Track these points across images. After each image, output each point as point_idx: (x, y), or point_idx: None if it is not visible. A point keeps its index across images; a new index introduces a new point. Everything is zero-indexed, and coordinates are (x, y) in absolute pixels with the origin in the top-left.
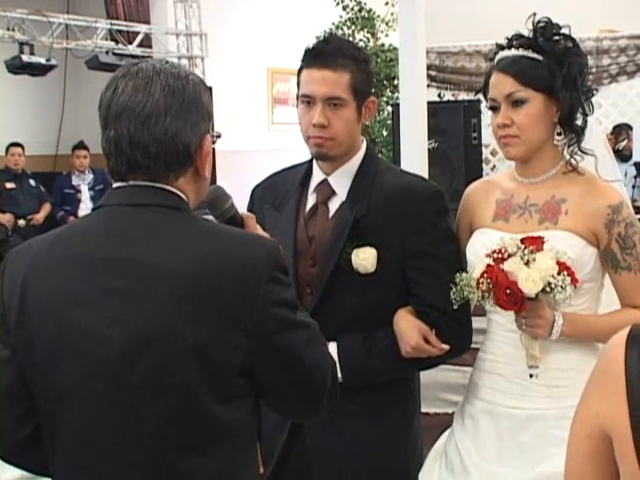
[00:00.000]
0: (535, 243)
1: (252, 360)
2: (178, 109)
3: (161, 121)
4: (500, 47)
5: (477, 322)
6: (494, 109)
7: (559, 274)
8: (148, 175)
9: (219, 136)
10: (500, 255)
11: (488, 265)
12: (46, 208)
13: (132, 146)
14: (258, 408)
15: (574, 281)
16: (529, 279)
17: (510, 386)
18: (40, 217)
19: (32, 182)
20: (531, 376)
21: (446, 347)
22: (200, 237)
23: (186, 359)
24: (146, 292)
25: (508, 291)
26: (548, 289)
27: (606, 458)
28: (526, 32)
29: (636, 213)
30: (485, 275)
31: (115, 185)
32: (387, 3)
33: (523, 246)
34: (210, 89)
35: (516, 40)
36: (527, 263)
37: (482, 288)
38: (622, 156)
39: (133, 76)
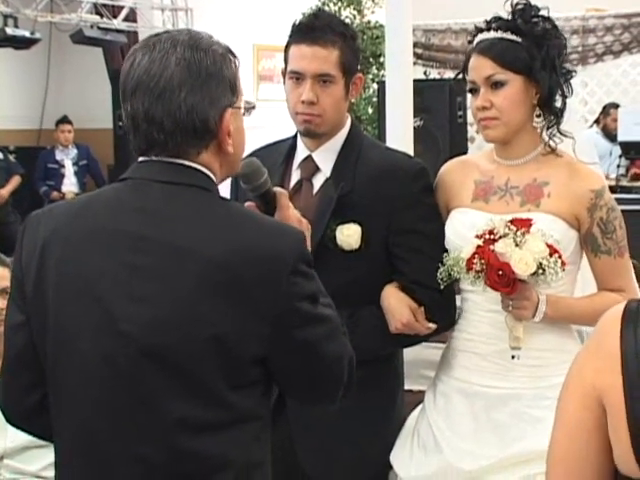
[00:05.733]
0: (524, 225)
1: (268, 350)
2: (194, 83)
3: (175, 96)
4: (479, 29)
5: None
6: (473, 91)
7: (551, 256)
8: (167, 152)
9: (253, 107)
10: (492, 236)
11: (478, 246)
12: (14, 181)
13: (147, 121)
14: (269, 393)
15: (562, 264)
16: (522, 261)
17: (486, 365)
18: (5, 192)
19: None
20: (513, 357)
21: (433, 326)
22: (230, 224)
23: (205, 344)
24: (174, 273)
25: (500, 272)
26: (540, 271)
27: (601, 429)
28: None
29: (620, 192)
30: (477, 256)
31: (141, 159)
32: None
33: (515, 228)
34: None
35: (495, 22)
36: (517, 245)
37: (476, 268)
38: (611, 136)
39: (150, 49)
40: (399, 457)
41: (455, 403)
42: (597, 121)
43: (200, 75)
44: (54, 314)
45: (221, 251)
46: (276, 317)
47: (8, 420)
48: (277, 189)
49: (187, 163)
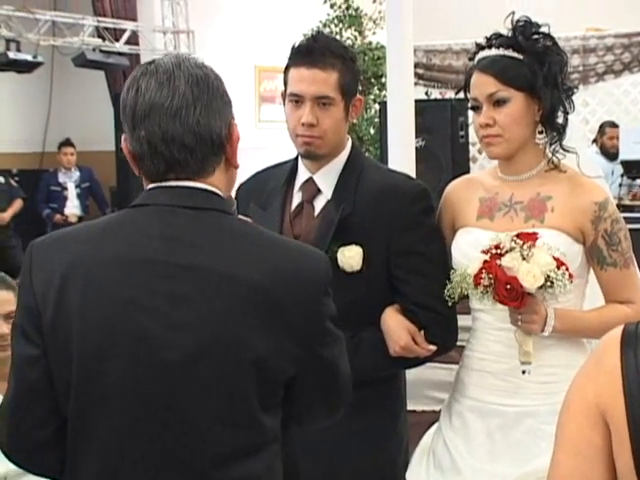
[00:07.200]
0: (530, 239)
1: (298, 369)
2: (205, 98)
3: (191, 112)
4: (480, 47)
5: (462, 320)
6: (476, 109)
7: (558, 269)
8: (188, 171)
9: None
10: (498, 251)
11: (485, 261)
12: (16, 205)
13: (166, 142)
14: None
15: (570, 276)
16: (530, 274)
17: (499, 383)
18: (6, 216)
19: (0, 179)
20: (524, 372)
21: (433, 348)
22: (261, 246)
23: (245, 369)
24: (212, 299)
25: (508, 286)
26: (548, 284)
27: (606, 448)
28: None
29: (622, 212)
30: (484, 271)
31: (154, 185)
32: (375, 1)
33: (521, 242)
34: None
35: (495, 39)
36: (524, 258)
37: (484, 283)
38: (609, 154)
39: (153, 73)
40: (415, 477)
41: (470, 423)
42: (595, 141)
43: (209, 90)
44: (80, 345)
45: (256, 273)
46: (308, 337)
47: (9, 456)
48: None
49: (205, 187)
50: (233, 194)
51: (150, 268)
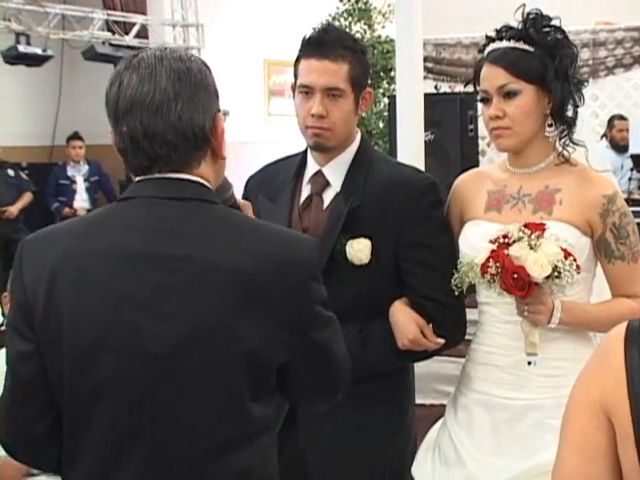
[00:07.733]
0: (538, 229)
1: (291, 355)
2: (187, 92)
3: (173, 108)
4: (490, 39)
5: (469, 314)
6: (485, 101)
7: (566, 259)
8: (171, 165)
9: (227, 113)
10: (506, 240)
11: (493, 250)
12: (25, 198)
13: (148, 138)
14: (278, 401)
15: (577, 267)
16: (537, 263)
17: (505, 377)
18: (14, 209)
19: (10, 172)
20: (529, 363)
21: (442, 341)
22: (249, 234)
23: (236, 358)
24: (202, 289)
25: (515, 275)
26: (555, 274)
27: (612, 446)
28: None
29: (632, 206)
30: (492, 259)
31: (141, 177)
32: None
33: (529, 232)
34: None
35: (506, 32)
36: (532, 248)
37: (491, 272)
38: (619, 147)
39: (136, 67)
40: (421, 471)
41: (476, 416)
42: (604, 135)
43: (191, 84)
44: (71, 337)
45: (245, 261)
46: (298, 322)
47: (10, 452)
48: (240, 201)
49: (191, 177)
50: (242, 187)
51: (141, 261)
